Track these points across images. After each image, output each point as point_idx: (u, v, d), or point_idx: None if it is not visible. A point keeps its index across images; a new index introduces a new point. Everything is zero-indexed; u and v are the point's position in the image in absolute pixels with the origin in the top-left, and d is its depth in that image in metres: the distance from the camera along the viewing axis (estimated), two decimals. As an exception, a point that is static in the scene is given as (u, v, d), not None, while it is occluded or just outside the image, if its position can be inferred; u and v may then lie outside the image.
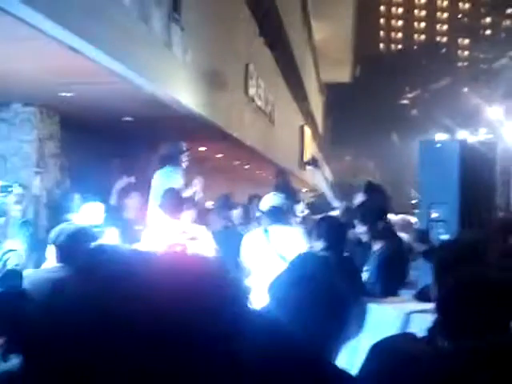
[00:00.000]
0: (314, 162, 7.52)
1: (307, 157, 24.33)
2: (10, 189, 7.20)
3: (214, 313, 0.90)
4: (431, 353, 2.13)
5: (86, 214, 6.49)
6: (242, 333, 0.93)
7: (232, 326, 0.92)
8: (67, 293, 0.94)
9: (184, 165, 7.56)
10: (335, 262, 4.13)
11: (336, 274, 2.60)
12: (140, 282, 0.91)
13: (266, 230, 5.64)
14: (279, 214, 5.80)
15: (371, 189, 6.35)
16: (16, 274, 4.00)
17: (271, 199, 5.94)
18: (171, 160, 7.51)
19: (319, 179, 7.37)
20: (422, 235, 5.84)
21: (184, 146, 7.75)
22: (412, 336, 2.49)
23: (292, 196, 7.98)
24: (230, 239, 6.29)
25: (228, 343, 0.90)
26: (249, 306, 0.99)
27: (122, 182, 7.78)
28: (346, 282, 2.34)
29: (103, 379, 0.85)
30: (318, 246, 4.86)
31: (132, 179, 7.84)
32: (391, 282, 5.05)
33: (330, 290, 2.11)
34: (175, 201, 6.14)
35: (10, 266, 3.76)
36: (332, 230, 4.93)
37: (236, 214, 8.01)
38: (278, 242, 5.52)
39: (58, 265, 3.99)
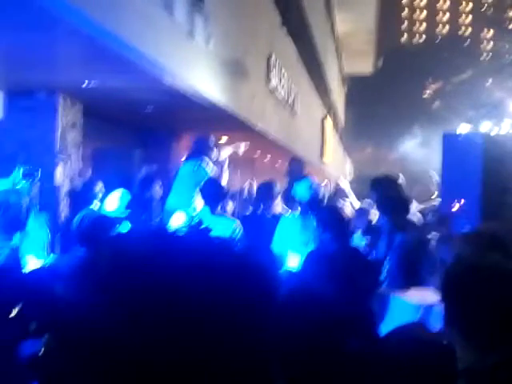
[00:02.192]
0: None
1: (331, 150, 24.24)
2: (33, 175, 7.26)
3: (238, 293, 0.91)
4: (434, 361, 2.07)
5: (112, 201, 6.52)
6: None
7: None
8: (96, 273, 0.95)
9: (214, 158, 7.61)
10: (341, 255, 4.12)
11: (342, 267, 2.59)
12: (164, 261, 0.92)
13: (302, 216, 5.71)
14: (315, 202, 5.91)
15: (388, 181, 6.32)
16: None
17: (309, 188, 6.01)
18: (202, 152, 7.54)
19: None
20: (443, 220, 5.83)
21: (214, 139, 7.81)
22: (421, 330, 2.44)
23: None
24: (259, 224, 6.27)
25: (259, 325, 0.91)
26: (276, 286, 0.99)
27: (144, 171, 7.83)
28: (356, 274, 2.35)
29: (131, 357, 0.86)
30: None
31: (153, 168, 7.89)
32: (412, 274, 5.04)
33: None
34: (216, 190, 6.13)
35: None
36: (335, 221, 4.89)
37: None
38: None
39: (81, 250, 4.03)
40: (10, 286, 2.81)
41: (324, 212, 5.16)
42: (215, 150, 7.68)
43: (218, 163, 7.72)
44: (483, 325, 2.09)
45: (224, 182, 7.47)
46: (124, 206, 6.58)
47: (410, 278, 4.97)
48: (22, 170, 7.14)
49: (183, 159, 7.62)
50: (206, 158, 7.47)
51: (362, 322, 2.05)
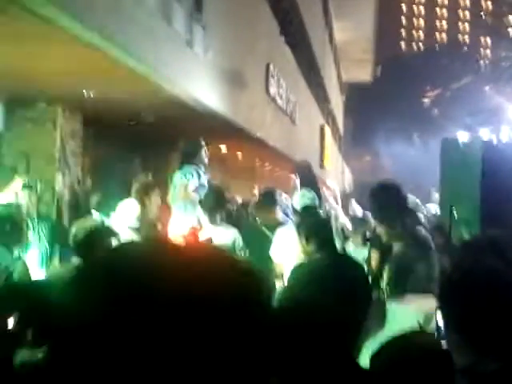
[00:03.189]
0: None
1: (330, 158, 24.20)
2: (33, 187, 7.27)
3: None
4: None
5: (122, 212, 6.46)
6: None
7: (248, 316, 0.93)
8: (91, 284, 0.96)
9: (205, 161, 7.50)
10: (330, 263, 4.10)
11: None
12: (158, 270, 0.92)
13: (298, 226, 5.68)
14: (312, 212, 5.90)
15: (385, 189, 6.28)
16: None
17: (303, 197, 6.01)
18: (192, 158, 7.41)
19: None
20: (440, 228, 5.83)
21: (203, 142, 7.71)
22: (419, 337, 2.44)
23: (317, 191, 7.95)
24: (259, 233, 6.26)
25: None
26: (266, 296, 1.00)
27: (140, 180, 7.77)
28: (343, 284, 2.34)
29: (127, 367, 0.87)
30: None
31: (149, 177, 7.83)
32: (410, 282, 5.02)
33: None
34: (216, 200, 6.08)
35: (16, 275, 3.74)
36: (319, 230, 4.84)
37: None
38: None
39: (78, 261, 4.02)
40: (8, 295, 2.82)
41: (306, 222, 5.11)
42: (205, 153, 7.56)
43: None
44: (482, 330, 2.10)
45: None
46: (134, 216, 6.52)
47: (408, 286, 4.96)
48: (22, 182, 7.16)
49: (177, 167, 7.47)
50: (202, 166, 7.36)
51: (347, 332, 2.06)
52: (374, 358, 2.19)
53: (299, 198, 6.07)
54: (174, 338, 0.88)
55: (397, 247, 5.28)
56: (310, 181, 7.95)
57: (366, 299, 3.07)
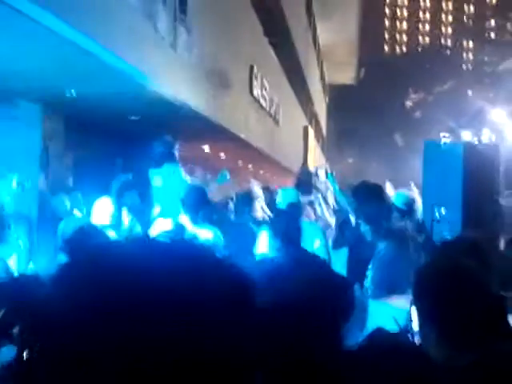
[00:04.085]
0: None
1: (314, 159, 24.27)
2: (24, 183, 7.21)
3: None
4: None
5: (97, 211, 6.46)
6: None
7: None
8: (75, 280, 0.96)
9: (179, 159, 7.44)
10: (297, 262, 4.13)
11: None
12: (144, 268, 0.93)
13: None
14: (296, 212, 5.91)
15: (368, 189, 6.32)
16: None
17: (289, 195, 6.02)
18: (167, 157, 7.33)
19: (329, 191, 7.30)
20: (420, 226, 5.87)
21: (173, 140, 7.67)
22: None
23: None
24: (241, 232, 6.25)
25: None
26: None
27: (119, 180, 7.73)
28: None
29: (109, 366, 0.87)
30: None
31: (128, 177, 7.77)
32: (395, 282, 5.04)
33: None
34: (197, 199, 6.03)
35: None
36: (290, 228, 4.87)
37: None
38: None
39: (65, 259, 4.01)
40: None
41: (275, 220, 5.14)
42: (177, 150, 7.52)
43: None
44: (455, 325, 2.13)
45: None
46: (112, 214, 6.53)
47: (393, 285, 4.98)
48: (14, 179, 7.09)
49: (155, 166, 7.37)
50: (175, 163, 7.30)
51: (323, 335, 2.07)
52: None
53: (285, 197, 6.09)
54: (160, 334, 0.88)
55: (381, 245, 5.30)
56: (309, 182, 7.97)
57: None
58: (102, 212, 6.43)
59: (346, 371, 1.94)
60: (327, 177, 7.77)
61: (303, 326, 2.06)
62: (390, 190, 6.46)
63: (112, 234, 5.33)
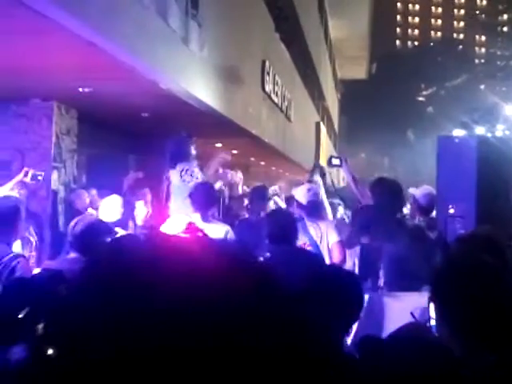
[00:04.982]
0: (339, 159, 7.35)
1: (326, 155, 24.18)
2: (39, 177, 7.25)
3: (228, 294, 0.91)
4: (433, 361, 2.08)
5: (105, 208, 6.49)
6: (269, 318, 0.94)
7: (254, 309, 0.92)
8: (86, 280, 0.95)
9: (195, 156, 7.42)
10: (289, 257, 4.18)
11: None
12: (159, 267, 0.92)
13: (302, 220, 5.70)
14: (316, 209, 5.92)
15: (382, 185, 6.28)
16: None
17: (308, 193, 6.00)
18: (183, 156, 7.30)
19: (347, 175, 7.23)
20: (432, 223, 5.84)
21: (190, 137, 7.65)
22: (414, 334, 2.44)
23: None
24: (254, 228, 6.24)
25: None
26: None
27: (130, 177, 7.75)
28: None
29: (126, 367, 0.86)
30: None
31: (140, 175, 7.78)
32: (407, 281, 5.01)
33: None
34: (207, 196, 6.00)
35: (18, 272, 3.70)
36: (284, 225, 4.87)
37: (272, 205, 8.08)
38: (312, 232, 5.62)
39: (75, 255, 4.02)
40: (17, 290, 2.80)
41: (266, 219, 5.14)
42: (193, 148, 7.48)
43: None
44: (474, 323, 2.10)
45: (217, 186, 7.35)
46: (118, 211, 6.55)
47: (406, 282, 4.96)
48: (30, 173, 7.12)
49: (170, 165, 7.32)
50: (194, 163, 7.27)
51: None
52: (374, 355, 2.19)
53: (305, 193, 6.06)
54: (177, 336, 0.87)
55: (393, 243, 5.28)
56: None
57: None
58: (110, 209, 6.46)
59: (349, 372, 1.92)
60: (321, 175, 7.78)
61: (309, 320, 2.04)
62: (413, 189, 6.43)
63: (120, 231, 5.34)
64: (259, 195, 7.98)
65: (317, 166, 8.10)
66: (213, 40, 9.70)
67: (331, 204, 7.61)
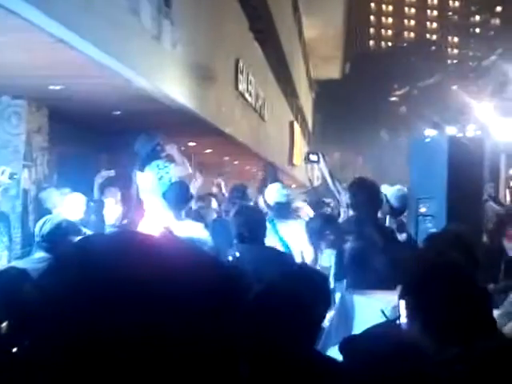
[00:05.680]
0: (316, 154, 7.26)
1: (301, 153, 24.20)
2: (15, 176, 7.14)
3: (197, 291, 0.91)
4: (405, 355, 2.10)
5: (68, 206, 6.46)
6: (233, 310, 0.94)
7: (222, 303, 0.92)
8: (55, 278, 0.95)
9: (165, 153, 7.30)
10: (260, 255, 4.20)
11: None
12: (127, 262, 0.92)
13: (272, 221, 5.69)
14: (285, 210, 5.93)
15: (359, 185, 6.29)
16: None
17: (277, 194, 6.01)
18: (151, 158, 7.15)
19: (325, 171, 7.15)
20: (401, 225, 5.88)
21: (158, 135, 7.54)
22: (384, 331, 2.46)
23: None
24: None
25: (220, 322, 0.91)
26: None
27: (101, 176, 7.68)
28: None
29: (102, 357, 0.86)
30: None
31: (111, 173, 7.70)
32: (375, 277, 5.01)
33: None
34: (180, 195, 5.96)
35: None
36: (252, 223, 4.86)
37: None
38: (284, 234, 5.62)
39: (43, 255, 3.98)
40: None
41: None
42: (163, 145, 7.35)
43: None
44: (442, 320, 2.13)
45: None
46: (81, 210, 6.51)
47: (374, 280, 4.97)
48: (7, 172, 7.00)
49: (142, 163, 7.18)
50: (162, 162, 7.12)
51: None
52: (346, 351, 2.20)
53: (275, 193, 6.06)
54: (147, 326, 0.87)
55: (360, 241, 5.29)
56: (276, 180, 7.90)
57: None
58: (73, 207, 6.43)
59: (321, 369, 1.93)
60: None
61: (277, 320, 2.05)
62: (385, 188, 6.42)
63: (85, 230, 5.29)
64: (238, 194, 7.97)
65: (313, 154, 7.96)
66: (186, 38, 9.67)
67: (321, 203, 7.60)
